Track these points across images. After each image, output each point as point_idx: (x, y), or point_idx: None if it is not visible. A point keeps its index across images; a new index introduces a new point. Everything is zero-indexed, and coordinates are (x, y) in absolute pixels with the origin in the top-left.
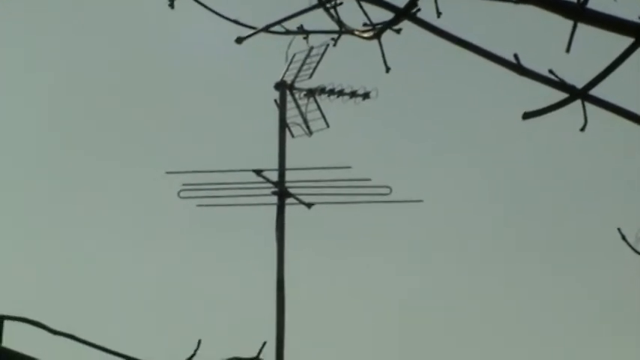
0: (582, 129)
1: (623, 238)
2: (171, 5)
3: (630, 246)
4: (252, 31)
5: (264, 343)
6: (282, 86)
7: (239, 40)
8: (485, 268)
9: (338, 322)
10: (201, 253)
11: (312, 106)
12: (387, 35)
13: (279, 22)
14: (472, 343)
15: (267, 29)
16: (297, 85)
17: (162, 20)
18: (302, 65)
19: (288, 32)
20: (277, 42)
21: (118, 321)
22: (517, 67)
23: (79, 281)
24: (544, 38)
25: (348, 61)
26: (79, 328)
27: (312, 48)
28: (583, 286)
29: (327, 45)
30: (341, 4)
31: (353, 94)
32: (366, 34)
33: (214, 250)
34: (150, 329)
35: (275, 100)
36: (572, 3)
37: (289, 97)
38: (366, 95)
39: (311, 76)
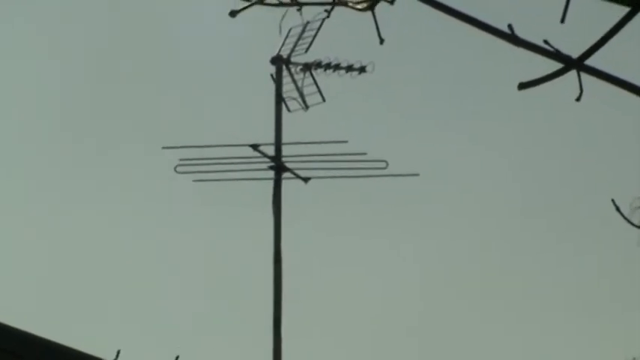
0: (578, 99)
1: (617, 209)
2: None
3: (624, 217)
4: (246, 4)
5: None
6: (278, 61)
7: (233, 14)
8: (482, 241)
9: (334, 295)
10: (198, 228)
11: (309, 80)
12: (381, 7)
13: None
14: (468, 317)
15: (260, 1)
16: (293, 59)
17: None
18: (298, 39)
19: (281, 4)
20: (272, 15)
21: (114, 295)
22: (512, 38)
23: (76, 256)
24: (538, 8)
25: (345, 35)
26: (74, 301)
27: (307, 22)
28: (582, 257)
29: (323, 19)
30: None
31: (349, 68)
32: (359, 6)
33: (211, 224)
34: (146, 305)
35: (271, 75)
36: None
37: (285, 72)
38: (362, 69)
39: (307, 50)
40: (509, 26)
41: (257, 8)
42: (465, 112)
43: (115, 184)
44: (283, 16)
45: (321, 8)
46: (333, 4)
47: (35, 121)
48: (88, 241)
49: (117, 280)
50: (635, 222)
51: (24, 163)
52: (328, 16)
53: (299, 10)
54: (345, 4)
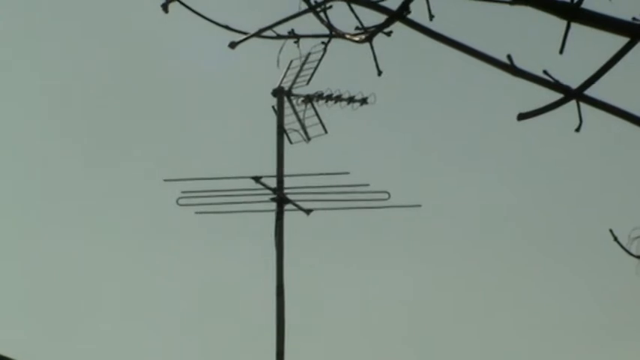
0: (577, 129)
1: (615, 239)
2: (165, 10)
3: (622, 247)
4: (244, 36)
5: None
6: (279, 92)
7: (232, 45)
8: (484, 273)
9: (337, 327)
10: (200, 260)
11: (310, 112)
12: (380, 39)
13: (270, 27)
14: (471, 346)
15: (258, 34)
16: (294, 91)
17: (158, 29)
18: (299, 71)
19: (279, 37)
20: (273, 47)
21: (117, 327)
22: (510, 68)
23: (79, 287)
24: (538, 39)
25: (346, 67)
26: (79, 331)
27: (309, 54)
28: (580, 286)
29: (324, 51)
30: (330, 7)
31: (351, 100)
32: (357, 38)
33: (213, 256)
34: (149, 335)
35: (273, 107)
36: (566, 3)
37: (287, 104)
38: (363, 101)
39: (308, 82)
40: (509, 56)
41: (257, 40)
42: (466, 143)
43: (117, 216)
44: (281, 49)
45: (319, 40)
46: (331, 37)
47: (34, 153)
48: (89, 273)
49: (119, 312)
50: (634, 252)
51: (29, 190)
52: (325, 49)
53: (296, 42)
54: (343, 37)
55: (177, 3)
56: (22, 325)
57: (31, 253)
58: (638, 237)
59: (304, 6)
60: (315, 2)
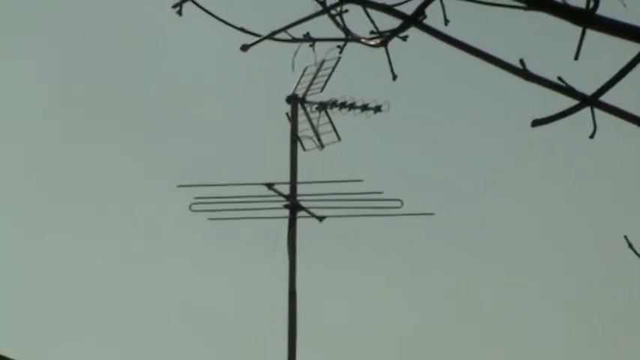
0: (592, 136)
1: (630, 245)
2: (179, 12)
3: (637, 254)
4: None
5: None
6: (293, 99)
7: (244, 48)
8: (496, 279)
9: (349, 334)
10: (213, 266)
11: (324, 119)
12: (395, 43)
13: (284, 29)
14: (478, 354)
15: (271, 36)
16: (308, 98)
17: (173, 31)
18: (313, 78)
19: (294, 40)
20: (289, 53)
21: (127, 331)
22: (523, 73)
23: (91, 291)
24: (553, 45)
25: (360, 73)
26: (88, 335)
27: (323, 61)
28: (593, 292)
29: (339, 58)
30: (346, 11)
31: (365, 108)
32: (372, 42)
33: (226, 263)
34: (162, 341)
35: (287, 114)
36: (581, 9)
37: (301, 111)
38: (377, 108)
39: (322, 89)
40: (521, 61)
41: (272, 45)
42: (480, 151)
43: (130, 222)
44: (296, 53)
45: (335, 44)
46: (346, 41)
47: (46, 160)
48: (102, 278)
49: (131, 317)
50: None
51: (40, 198)
52: (341, 52)
53: (312, 46)
54: (358, 41)
55: (190, 3)
56: (32, 328)
57: (43, 258)
58: None
59: (319, 8)
60: (331, 5)
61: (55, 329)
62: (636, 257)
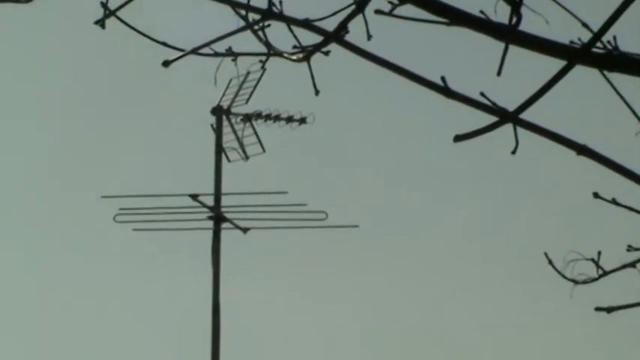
0: (514, 152)
1: (550, 262)
2: (102, 26)
3: (557, 270)
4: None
5: None
6: (218, 111)
7: (166, 64)
8: (421, 293)
9: (273, 348)
10: (137, 278)
11: (249, 130)
12: (319, 57)
13: (206, 45)
14: None
15: (194, 51)
16: (233, 110)
17: (95, 44)
18: (238, 90)
19: (216, 54)
20: (212, 65)
21: (49, 344)
22: (445, 90)
23: (11, 306)
24: (476, 61)
25: (285, 86)
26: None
27: (248, 73)
28: (515, 310)
29: (263, 71)
30: (269, 26)
31: (289, 119)
32: (295, 57)
33: (150, 274)
34: (81, 356)
35: (211, 125)
36: (503, 24)
37: (226, 122)
38: (302, 120)
39: (247, 101)
40: (443, 78)
41: (195, 58)
42: (404, 163)
43: (53, 232)
44: (218, 67)
45: (257, 59)
46: (268, 55)
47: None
48: (23, 291)
49: (52, 331)
50: (568, 275)
51: None
52: (263, 67)
53: (234, 60)
54: (281, 55)
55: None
56: None
57: None
58: (573, 260)
59: (242, 24)
60: (253, 20)
61: None
62: (556, 274)
